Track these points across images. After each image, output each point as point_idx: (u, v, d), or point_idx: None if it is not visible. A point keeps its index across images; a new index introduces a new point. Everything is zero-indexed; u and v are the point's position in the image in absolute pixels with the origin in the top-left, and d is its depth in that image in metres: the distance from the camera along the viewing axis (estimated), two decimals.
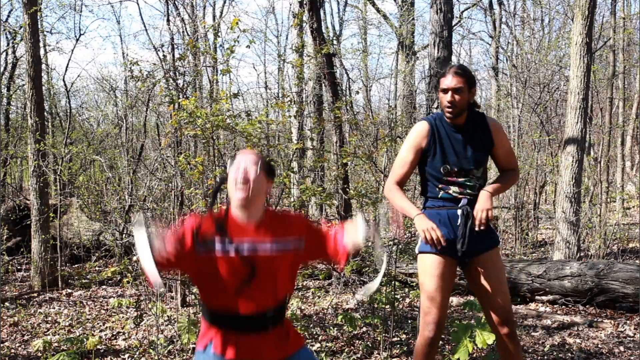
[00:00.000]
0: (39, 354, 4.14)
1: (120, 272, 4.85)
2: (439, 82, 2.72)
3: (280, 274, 2.06)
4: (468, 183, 2.70)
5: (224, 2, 19.33)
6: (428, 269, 2.70)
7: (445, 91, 2.64)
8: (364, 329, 4.60)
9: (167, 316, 5.08)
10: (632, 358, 3.96)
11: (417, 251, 2.79)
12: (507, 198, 10.39)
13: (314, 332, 4.51)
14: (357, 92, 15.41)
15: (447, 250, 2.67)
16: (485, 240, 2.71)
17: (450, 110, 2.64)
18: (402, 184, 2.78)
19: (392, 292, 4.50)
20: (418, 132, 2.74)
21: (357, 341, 4.30)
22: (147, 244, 1.81)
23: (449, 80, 2.63)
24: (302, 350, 2.15)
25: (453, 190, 2.71)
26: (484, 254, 2.71)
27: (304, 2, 6.90)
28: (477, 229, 2.64)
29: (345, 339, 4.35)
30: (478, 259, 2.71)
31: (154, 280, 1.81)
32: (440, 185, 2.72)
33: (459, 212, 2.68)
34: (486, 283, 2.70)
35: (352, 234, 2.09)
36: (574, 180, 6.82)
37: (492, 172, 6.23)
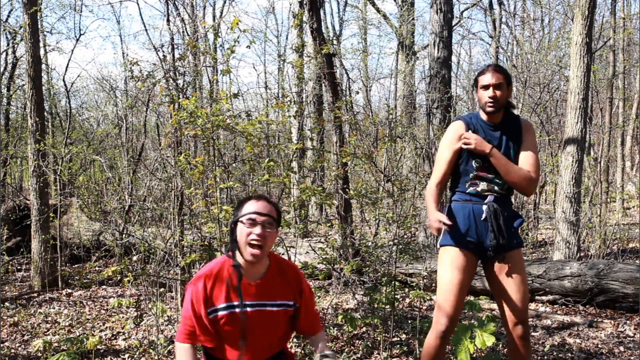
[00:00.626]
0: (39, 354, 4.14)
1: (120, 272, 4.84)
2: (476, 80, 2.76)
3: (276, 328, 2.15)
4: (497, 180, 2.73)
5: (224, 2, 19.34)
6: (448, 261, 2.72)
7: (486, 87, 2.70)
8: (364, 329, 4.60)
9: (167, 316, 5.08)
10: (632, 358, 3.96)
11: (438, 245, 2.80)
12: None
13: None
14: (357, 92, 15.44)
15: (470, 245, 2.70)
16: (510, 239, 2.72)
17: (492, 104, 2.69)
18: (442, 183, 2.80)
19: (392, 292, 4.50)
20: (455, 131, 2.77)
21: (357, 341, 4.31)
22: None
23: (490, 77, 2.69)
24: None
25: (481, 186, 2.73)
26: (509, 252, 2.72)
27: (304, 2, 6.89)
28: (462, 145, 2.69)
29: (345, 338, 4.36)
30: (504, 257, 2.71)
31: None
32: (470, 182, 2.75)
33: (485, 207, 2.69)
34: (506, 281, 2.71)
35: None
36: (574, 181, 6.82)
37: None
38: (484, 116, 2.76)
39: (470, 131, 2.74)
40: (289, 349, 2.34)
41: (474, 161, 2.72)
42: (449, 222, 2.56)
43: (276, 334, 2.16)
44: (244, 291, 2.05)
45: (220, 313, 2.03)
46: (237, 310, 2.04)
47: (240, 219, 2.02)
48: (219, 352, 2.11)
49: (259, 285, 2.09)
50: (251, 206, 2.04)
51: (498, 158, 2.67)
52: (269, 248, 2.06)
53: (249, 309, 2.05)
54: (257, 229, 1.98)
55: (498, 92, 2.68)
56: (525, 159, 2.73)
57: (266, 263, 2.13)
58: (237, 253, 2.07)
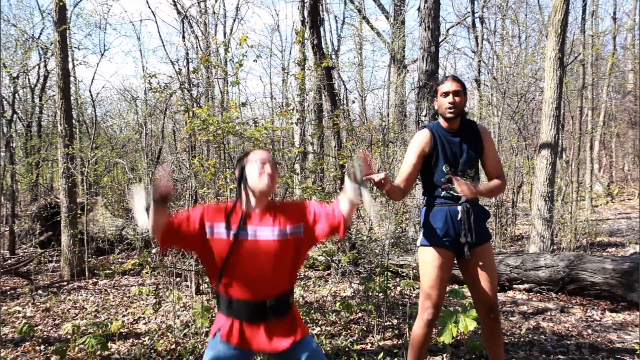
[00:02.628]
0: (69, 336, 4.14)
1: (140, 264, 4.85)
2: (436, 90, 2.73)
3: (279, 260, 2.01)
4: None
5: (234, 21, 19.33)
6: (429, 260, 2.71)
7: (446, 94, 2.67)
8: (360, 314, 4.60)
9: (183, 303, 5.09)
10: (598, 339, 3.97)
11: (418, 244, 2.79)
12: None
13: (315, 317, 4.52)
14: (353, 102, 15.40)
15: (446, 243, 2.69)
16: (480, 235, 2.72)
17: (452, 110, 2.66)
18: (405, 182, 2.73)
19: (385, 282, 4.51)
20: (421, 139, 2.74)
21: (354, 325, 4.31)
22: (143, 197, 1.95)
23: (449, 85, 2.67)
24: (305, 340, 2.07)
25: (453, 189, 2.71)
26: (479, 247, 2.72)
27: (306, 21, 6.89)
28: (459, 193, 2.62)
29: (342, 323, 4.36)
30: (474, 251, 2.71)
31: (141, 224, 1.92)
32: (442, 186, 2.72)
33: (459, 208, 2.68)
34: (478, 272, 2.71)
35: (344, 197, 2.10)
36: (548, 181, 6.82)
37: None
38: (444, 124, 2.73)
39: (434, 138, 2.69)
40: (296, 307, 2.18)
41: (443, 167, 2.70)
42: (381, 176, 2.38)
43: (279, 267, 2.02)
44: (245, 221, 2.04)
45: (219, 235, 2.00)
46: (237, 235, 2.00)
47: (249, 162, 2.08)
48: (230, 288, 2.02)
49: (260, 214, 2.06)
50: (257, 153, 2.11)
51: (484, 192, 2.71)
52: (276, 185, 2.11)
53: (248, 237, 2.01)
54: (268, 167, 2.06)
55: (457, 99, 2.66)
56: (494, 165, 2.81)
57: (267, 201, 2.11)
58: (244, 198, 2.09)
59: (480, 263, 2.71)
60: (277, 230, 2.02)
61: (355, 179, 2.06)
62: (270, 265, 1.99)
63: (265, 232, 2.01)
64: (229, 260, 1.98)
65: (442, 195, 2.73)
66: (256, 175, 2.03)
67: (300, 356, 2.00)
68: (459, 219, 2.68)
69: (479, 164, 2.85)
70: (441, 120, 2.75)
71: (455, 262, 2.81)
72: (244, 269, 1.99)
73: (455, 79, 2.70)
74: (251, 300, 1.99)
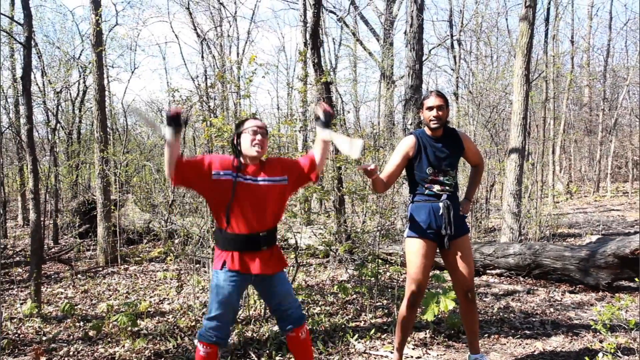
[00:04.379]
0: (104, 314, 4.14)
1: (165, 252, 4.84)
2: (422, 103, 2.70)
3: (270, 202, 2.23)
4: (447, 181, 2.69)
5: (245, 42, 19.33)
6: (414, 249, 2.69)
7: (430, 109, 2.64)
8: (354, 296, 4.59)
9: (202, 286, 5.08)
10: (559, 317, 3.96)
11: (405, 235, 2.77)
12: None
13: (316, 299, 4.51)
14: (349, 112, 15.40)
15: (430, 235, 2.67)
16: (460, 228, 2.71)
17: (436, 123, 2.64)
18: (387, 178, 2.71)
19: (376, 268, 4.50)
20: (407, 144, 2.72)
21: (349, 306, 4.30)
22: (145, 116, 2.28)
23: (434, 100, 2.64)
24: (281, 272, 2.32)
25: (436, 188, 2.68)
26: (459, 238, 2.70)
27: (308, 43, 6.87)
28: (461, 213, 2.75)
29: (339, 304, 4.35)
30: (454, 242, 2.69)
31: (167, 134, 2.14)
32: (426, 185, 2.70)
33: (441, 204, 2.66)
34: (457, 261, 2.69)
35: (316, 140, 2.36)
36: (516, 181, 6.81)
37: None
38: (428, 132, 2.71)
39: (418, 143, 2.69)
40: (280, 250, 2.40)
41: (427, 169, 2.68)
42: (371, 167, 2.48)
43: (268, 206, 2.24)
44: (242, 169, 2.25)
45: (223, 177, 2.21)
46: (237, 179, 2.21)
47: (244, 131, 2.25)
48: (230, 225, 2.22)
49: (254, 168, 2.26)
50: (251, 122, 2.27)
51: (473, 192, 2.94)
52: (266, 148, 2.27)
53: (246, 181, 2.22)
54: (259, 136, 2.24)
55: (440, 112, 2.63)
56: (474, 156, 2.89)
57: (261, 158, 2.32)
58: (241, 157, 2.28)
59: (459, 252, 2.69)
60: (267, 178, 2.26)
61: (318, 118, 2.30)
62: (263, 204, 2.23)
63: (258, 179, 2.25)
64: (232, 198, 2.21)
65: (425, 192, 2.71)
66: (248, 143, 2.23)
67: (278, 289, 2.28)
68: (440, 214, 2.66)
69: (459, 163, 2.87)
70: (426, 129, 2.73)
71: (438, 251, 2.80)
72: (244, 207, 2.20)
73: (439, 94, 2.67)
74: (249, 233, 2.21)
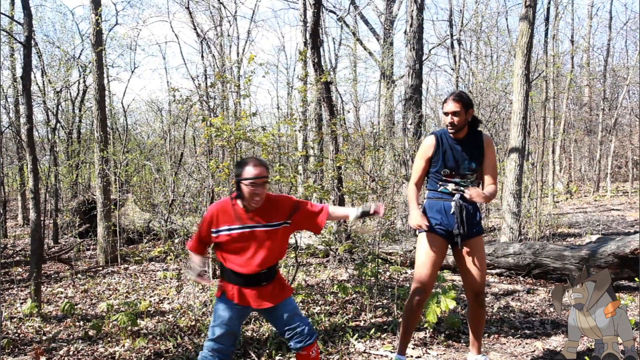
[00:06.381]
0: (104, 314, 4.13)
1: (165, 252, 4.83)
2: (443, 105, 2.67)
3: (270, 246, 2.26)
4: (462, 184, 2.66)
5: (245, 42, 19.31)
6: (424, 245, 2.67)
7: (446, 114, 2.61)
8: (354, 295, 4.59)
9: (202, 286, 5.07)
10: (559, 316, 3.95)
11: (417, 231, 2.74)
12: None
13: (315, 298, 4.51)
14: (349, 112, 15.40)
15: (439, 231, 2.66)
16: (474, 228, 2.68)
17: (451, 129, 2.62)
18: (418, 183, 2.75)
19: (376, 267, 4.49)
20: (427, 145, 2.70)
21: (349, 305, 4.29)
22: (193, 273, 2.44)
23: (450, 106, 2.60)
24: (287, 299, 2.34)
25: (450, 187, 2.67)
26: (472, 239, 2.67)
27: (307, 42, 6.87)
28: (467, 197, 2.56)
29: (339, 303, 4.34)
30: (467, 242, 2.66)
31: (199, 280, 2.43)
32: (440, 183, 2.69)
33: (452, 203, 2.64)
34: (470, 261, 2.67)
35: (348, 209, 2.39)
36: (516, 180, 6.81)
37: None
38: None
39: (437, 143, 2.66)
40: (280, 273, 2.43)
41: (442, 170, 2.66)
42: (426, 224, 2.55)
43: (269, 249, 2.26)
44: (242, 218, 2.25)
45: (223, 233, 2.25)
46: (236, 231, 2.24)
47: (242, 182, 2.21)
48: (231, 264, 2.27)
49: (253, 214, 2.26)
50: (251, 171, 2.20)
51: (488, 197, 2.59)
52: (264, 197, 2.25)
53: (246, 230, 2.24)
54: (258, 189, 2.19)
55: (455, 119, 2.58)
56: (489, 175, 2.68)
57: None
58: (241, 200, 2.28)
59: (471, 253, 2.67)
60: (268, 224, 2.27)
61: (367, 212, 2.33)
62: (264, 249, 2.25)
63: (259, 225, 2.26)
64: (231, 249, 2.26)
65: (439, 190, 2.70)
66: (248, 196, 2.22)
67: (282, 313, 2.29)
68: (451, 212, 2.65)
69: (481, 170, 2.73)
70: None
71: (451, 252, 2.77)
72: (243, 253, 2.25)
73: (457, 99, 2.59)
74: (247, 273, 2.25)
